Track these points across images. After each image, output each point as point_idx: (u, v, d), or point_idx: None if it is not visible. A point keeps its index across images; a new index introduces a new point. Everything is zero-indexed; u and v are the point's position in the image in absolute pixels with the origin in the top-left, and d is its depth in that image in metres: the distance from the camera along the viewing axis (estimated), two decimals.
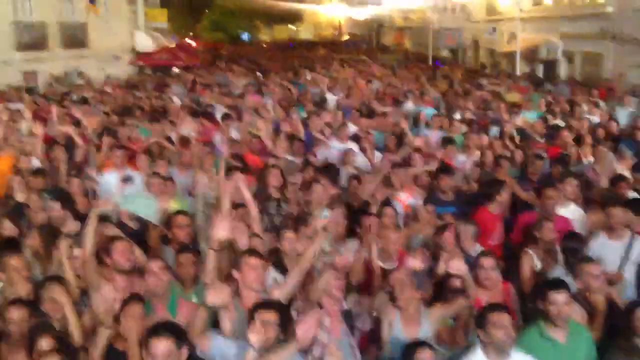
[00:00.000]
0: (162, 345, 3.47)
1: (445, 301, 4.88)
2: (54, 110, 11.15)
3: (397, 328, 4.58)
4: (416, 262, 4.83)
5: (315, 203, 6.65)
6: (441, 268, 5.24)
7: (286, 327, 4.09)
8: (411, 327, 4.59)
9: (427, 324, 4.63)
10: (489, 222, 6.60)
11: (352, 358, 4.52)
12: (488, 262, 5.16)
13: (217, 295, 3.90)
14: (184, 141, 9.23)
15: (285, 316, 4.09)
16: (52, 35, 24.38)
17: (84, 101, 14.20)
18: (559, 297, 4.34)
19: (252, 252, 4.68)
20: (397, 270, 4.84)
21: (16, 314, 4.26)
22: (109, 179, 7.80)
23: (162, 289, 4.65)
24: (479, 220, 6.35)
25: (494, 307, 4.24)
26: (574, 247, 5.63)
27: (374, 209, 6.50)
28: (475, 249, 5.89)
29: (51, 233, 5.77)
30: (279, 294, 4.51)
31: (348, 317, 4.71)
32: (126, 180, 7.02)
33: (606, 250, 5.77)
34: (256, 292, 4.37)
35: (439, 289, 5.14)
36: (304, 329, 3.53)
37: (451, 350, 4.59)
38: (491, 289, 5.09)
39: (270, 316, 3.91)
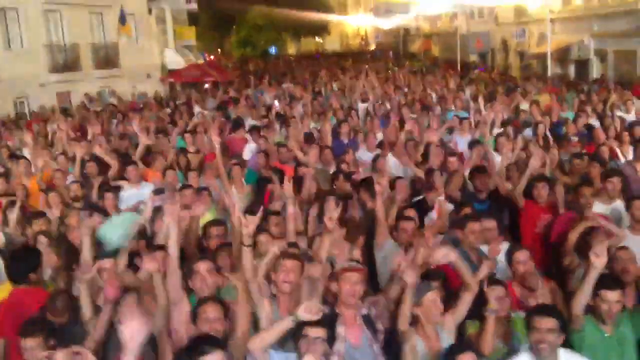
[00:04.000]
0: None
1: (450, 306, 4.64)
2: (97, 129, 11.58)
3: (421, 350, 4.34)
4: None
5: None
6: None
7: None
8: (433, 345, 4.39)
9: (445, 336, 4.46)
10: (534, 214, 6.72)
11: None
12: (522, 255, 5.07)
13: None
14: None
15: (332, 330, 4.06)
16: (84, 56, 24.92)
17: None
18: (611, 295, 4.31)
19: (288, 255, 4.66)
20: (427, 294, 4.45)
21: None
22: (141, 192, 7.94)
23: (207, 291, 4.55)
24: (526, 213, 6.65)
25: (539, 310, 4.14)
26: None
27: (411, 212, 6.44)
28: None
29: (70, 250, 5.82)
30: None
31: (369, 322, 4.43)
32: (158, 192, 7.08)
33: (630, 245, 5.56)
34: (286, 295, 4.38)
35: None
36: None
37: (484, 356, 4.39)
38: (534, 287, 4.99)
39: (319, 332, 3.91)
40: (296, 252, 5.11)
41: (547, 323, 3.94)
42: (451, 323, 4.54)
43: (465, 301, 4.54)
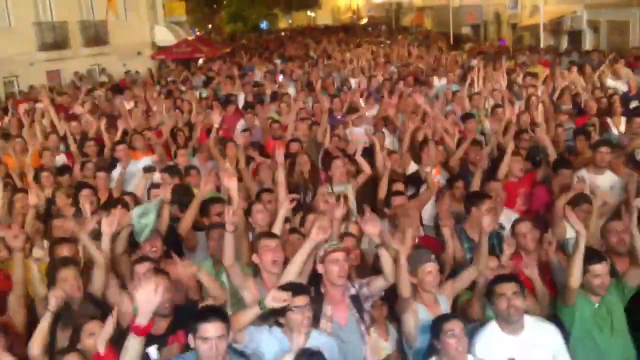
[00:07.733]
0: (214, 328, 3.47)
1: (454, 277, 4.75)
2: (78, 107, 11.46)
3: (424, 316, 4.39)
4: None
5: (336, 178, 6.66)
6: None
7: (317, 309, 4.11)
8: (434, 310, 4.44)
9: (444, 303, 4.53)
10: (509, 190, 6.67)
11: (363, 345, 4.32)
12: (525, 226, 5.11)
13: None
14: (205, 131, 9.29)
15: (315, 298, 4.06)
16: (73, 34, 24.61)
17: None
18: (600, 269, 4.38)
19: (267, 234, 4.69)
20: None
21: None
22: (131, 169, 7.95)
23: None
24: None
25: (500, 278, 4.21)
26: None
27: (399, 186, 6.48)
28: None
29: None
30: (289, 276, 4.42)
31: (357, 302, 4.40)
32: (148, 170, 7.06)
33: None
34: (274, 274, 4.39)
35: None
36: None
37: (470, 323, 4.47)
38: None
39: (303, 300, 3.89)
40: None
41: (511, 287, 4.02)
42: (450, 291, 4.62)
43: (469, 276, 4.60)
